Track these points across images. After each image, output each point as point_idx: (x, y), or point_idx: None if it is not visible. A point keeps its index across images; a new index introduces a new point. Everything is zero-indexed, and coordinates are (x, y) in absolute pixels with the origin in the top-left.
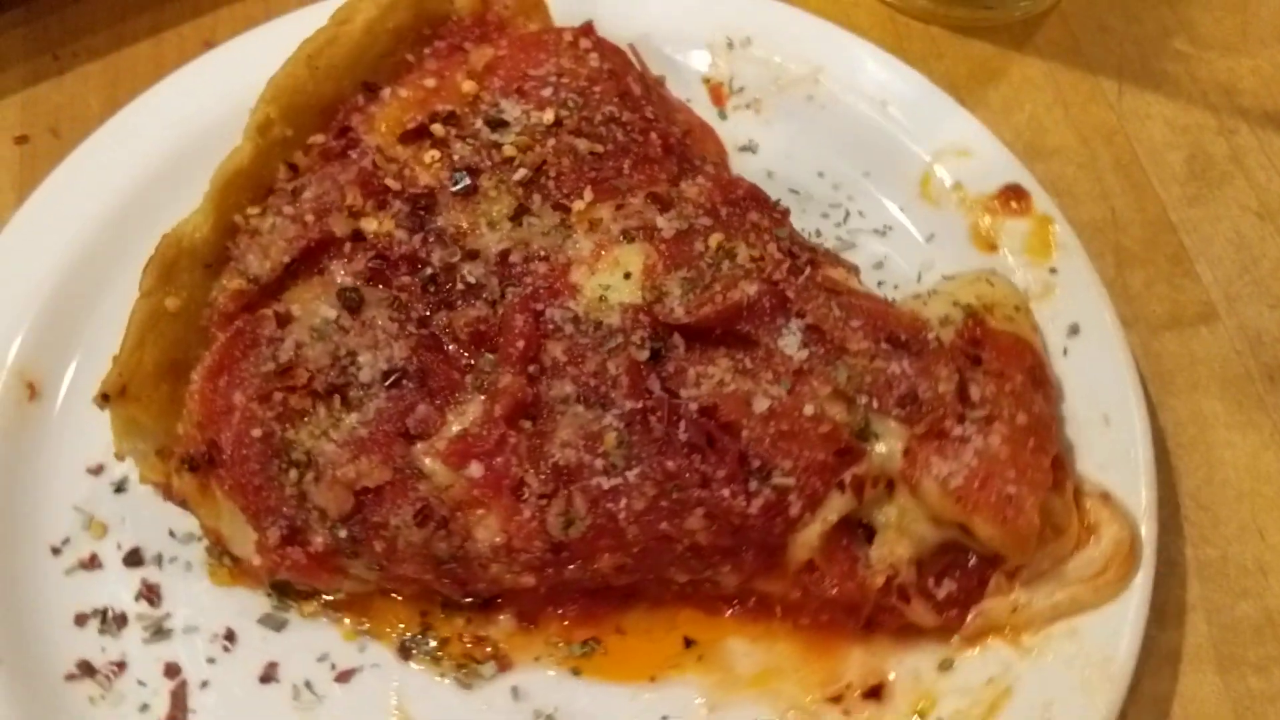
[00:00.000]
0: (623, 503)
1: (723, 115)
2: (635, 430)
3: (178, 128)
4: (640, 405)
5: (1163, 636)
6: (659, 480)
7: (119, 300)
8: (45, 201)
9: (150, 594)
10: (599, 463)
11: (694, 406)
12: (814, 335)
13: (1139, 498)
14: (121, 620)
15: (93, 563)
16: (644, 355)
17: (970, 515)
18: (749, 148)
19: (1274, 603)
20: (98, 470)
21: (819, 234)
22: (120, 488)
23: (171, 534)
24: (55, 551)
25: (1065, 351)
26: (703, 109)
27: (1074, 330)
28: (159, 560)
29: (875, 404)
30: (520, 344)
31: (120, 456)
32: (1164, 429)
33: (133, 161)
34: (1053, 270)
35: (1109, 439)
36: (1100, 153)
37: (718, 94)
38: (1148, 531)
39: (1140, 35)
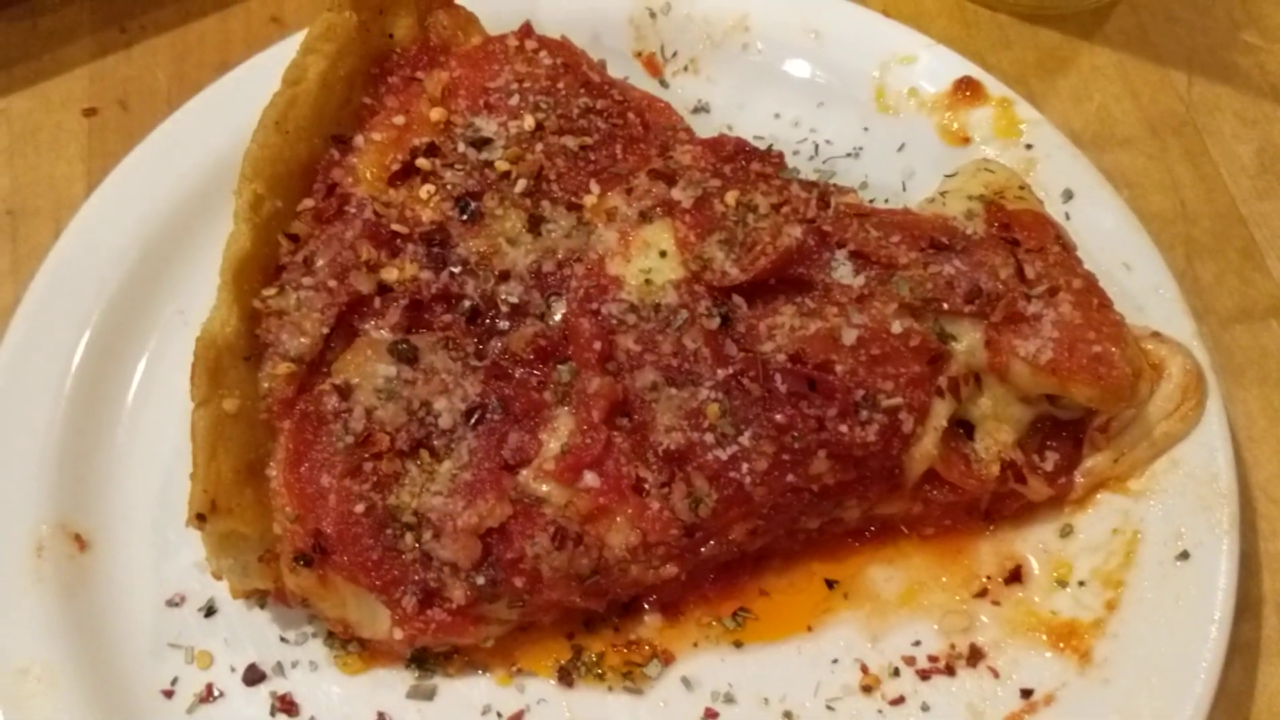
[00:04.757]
0: (745, 468)
1: (664, 84)
2: (735, 396)
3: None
4: (730, 371)
5: (1236, 630)
6: (774, 436)
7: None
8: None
9: (286, 706)
10: (708, 437)
11: (781, 357)
12: (861, 260)
13: (1182, 328)
14: None
15: (211, 695)
16: (715, 323)
17: (1067, 383)
18: (701, 108)
19: None
20: (179, 601)
21: (798, 172)
22: (209, 611)
23: (283, 639)
24: (168, 695)
25: (1067, 216)
26: (642, 83)
27: (1068, 195)
28: (280, 669)
29: (944, 307)
30: (597, 345)
31: (217, 575)
32: (1234, 421)
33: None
34: (1028, 146)
35: (1137, 282)
36: (1170, 144)
37: (652, 65)
38: (1200, 354)
39: (1209, 26)
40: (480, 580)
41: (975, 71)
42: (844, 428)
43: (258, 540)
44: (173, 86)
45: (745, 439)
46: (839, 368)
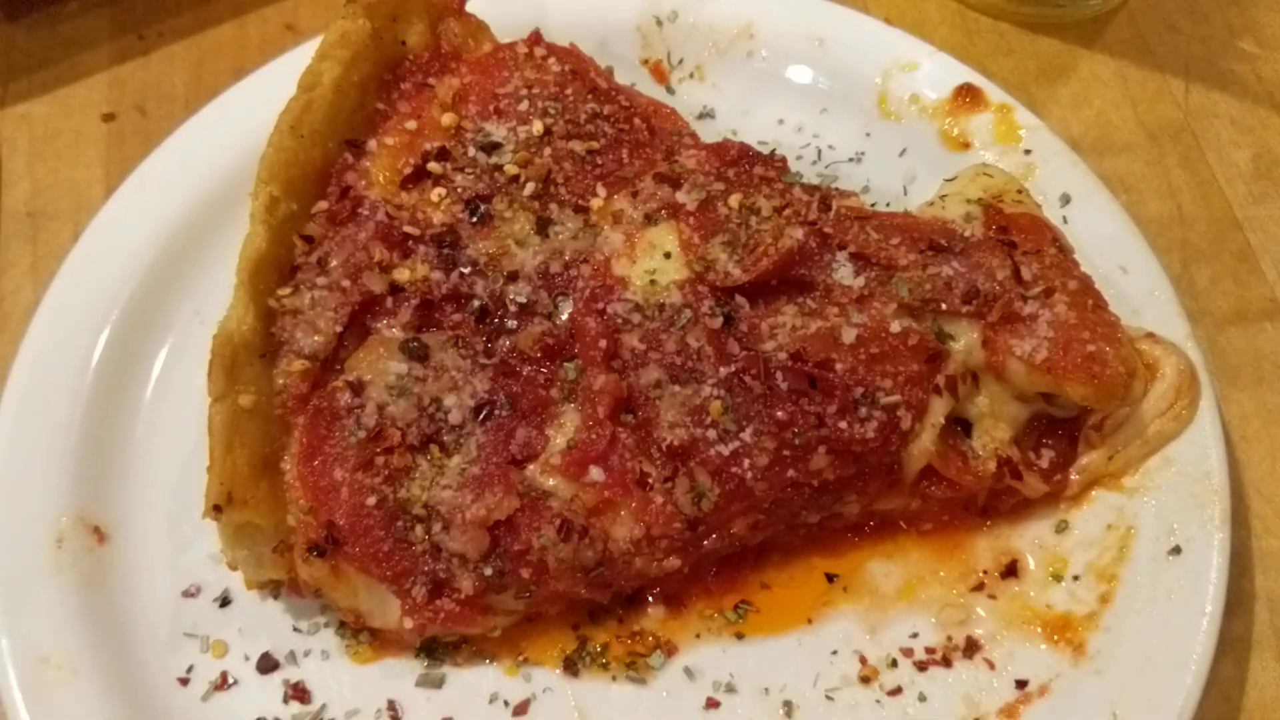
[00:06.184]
0: (746, 463)
1: (670, 90)
2: (737, 393)
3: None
4: (733, 369)
5: (1228, 625)
6: (775, 432)
7: (168, 433)
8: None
9: (298, 693)
10: (711, 433)
11: (782, 356)
12: (862, 262)
13: (1176, 329)
14: None
15: (226, 682)
16: (718, 322)
17: (1062, 382)
18: (707, 114)
19: None
20: (195, 592)
21: (801, 176)
22: (224, 602)
23: (296, 629)
24: (184, 683)
25: (1065, 220)
26: (649, 90)
27: (1065, 200)
28: (293, 658)
29: (942, 307)
30: (602, 344)
31: (233, 566)
32: (1228, 422)
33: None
34: (1027, 151)
35: (1133, 285)
36: (1168, 150)
37: (659, 72)
38: (1194, 355)
39: (1207, 35)
40: (488, 571)
41: (976, 79)
42: (843, 424)
43: (272, 532)
44: (190, 92)
45: (747, 435)
46: (839, 366)
